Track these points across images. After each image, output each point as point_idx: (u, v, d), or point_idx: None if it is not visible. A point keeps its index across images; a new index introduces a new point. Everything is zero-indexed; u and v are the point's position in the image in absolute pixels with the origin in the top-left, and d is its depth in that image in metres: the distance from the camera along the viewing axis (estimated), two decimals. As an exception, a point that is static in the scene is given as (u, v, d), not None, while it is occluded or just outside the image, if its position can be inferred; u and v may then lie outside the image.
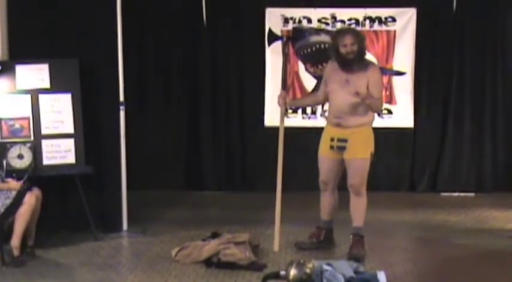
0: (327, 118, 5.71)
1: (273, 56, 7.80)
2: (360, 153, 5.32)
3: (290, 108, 7.76)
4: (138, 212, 6.57)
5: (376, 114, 7.82)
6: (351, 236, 5.43)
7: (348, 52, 5.23)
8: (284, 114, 5.65)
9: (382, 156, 8.04)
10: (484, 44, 7.99)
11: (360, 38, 5.29)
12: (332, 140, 5.39)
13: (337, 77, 5.34)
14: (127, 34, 6.19)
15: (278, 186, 5.53)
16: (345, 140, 5.31)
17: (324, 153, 5.49)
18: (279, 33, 5.95)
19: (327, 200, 5.60)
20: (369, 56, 7.82)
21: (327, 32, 7.49)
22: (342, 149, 5.35)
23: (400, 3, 7.93)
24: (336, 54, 5.32)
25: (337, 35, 5.40)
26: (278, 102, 5.63)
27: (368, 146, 5.36)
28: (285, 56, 5.67)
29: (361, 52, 5.29)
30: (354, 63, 5.25)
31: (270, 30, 5.61)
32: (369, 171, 5.43)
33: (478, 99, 8.03)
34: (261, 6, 7.95)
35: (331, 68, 5.47)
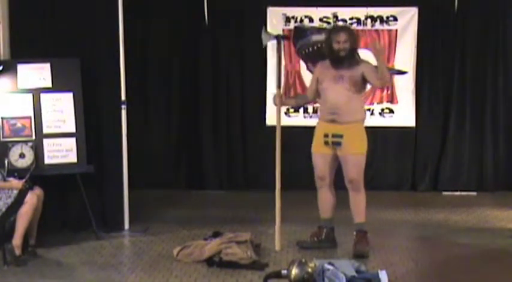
0: (318, 115, 5.76)
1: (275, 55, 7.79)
2: (357, 149, 5.40)
3: (291, 108, 7.80)
4: (140, 211, 6.58)
5: (378, 114, 7.84)
6: (355, 233, 5.45)
7: (340, 49, 5.33)
8: (280, 113, 5.67)
9: (384, 155, 8.07)
10: (486, 44, 7.97)
11: (353, 37, 5.41)
12: (326, 135, 5.43)
13: (329, 74, 5.43)
14: (128, 33, 6.20)
15: (277, 185, 5.53)
16: (340, 136, 5.36)
17: (318, 150, 5.53)
18: (275, 32, 6.00)
19: (325, 197, 5.61)
20: (370, 55, 7.84)
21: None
22: (337, 144, 5.40)
23: (402, 3, 7.92)
24: (329, 50, 5.42)
25: (332, 31, 5.53)
26: (274, 102, 5.67)
27: (363, 141, 5.45)
28: (279, 55, 5.70)
29: (353, 50, 5.40)
30: (344, 60, 5.35)
31: (264, 29, 5.60)
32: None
33: (479, 99, 8.02)
34: (262, 6, 7.96)
35: (322, 66, 5.57)
